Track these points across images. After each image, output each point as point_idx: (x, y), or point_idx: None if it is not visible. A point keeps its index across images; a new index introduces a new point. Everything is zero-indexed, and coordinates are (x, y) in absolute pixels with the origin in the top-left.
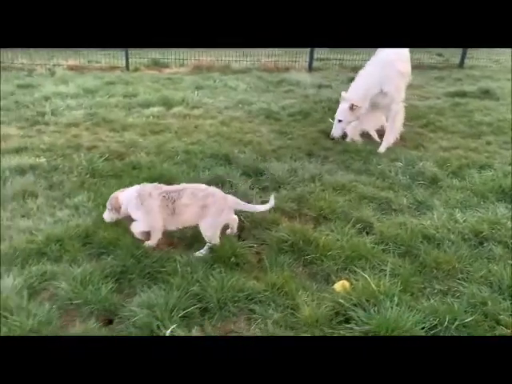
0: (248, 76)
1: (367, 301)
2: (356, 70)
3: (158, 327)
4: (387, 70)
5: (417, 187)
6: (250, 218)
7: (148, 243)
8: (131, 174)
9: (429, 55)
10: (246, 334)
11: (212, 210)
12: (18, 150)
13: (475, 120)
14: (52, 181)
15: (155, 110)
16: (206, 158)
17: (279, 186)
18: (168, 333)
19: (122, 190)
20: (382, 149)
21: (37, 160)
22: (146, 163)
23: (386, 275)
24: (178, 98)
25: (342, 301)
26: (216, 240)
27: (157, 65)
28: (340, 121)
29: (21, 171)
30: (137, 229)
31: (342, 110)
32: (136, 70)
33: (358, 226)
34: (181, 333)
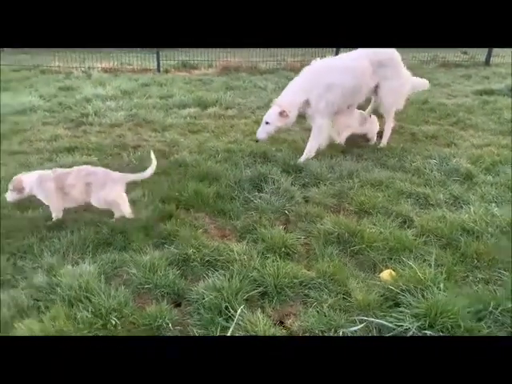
0: (276, 76)
1: (415, 287)
2: None
3: (227, 308)
4: (314, 80)
5: (452, 183)
6: (294, 212)
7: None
8: (178, 172)
9: (454, 53)
10: (303, 316)
11: (95, 186)
12: (69, 150)
13: (504, 117)
14: None
15: (191, 110)
16: (246, 157)
17: (319, 182)
18: (238, 313)
19: (23, 173)
20: (301, 159)
21: (88, 158)
22: (190, 161)
23: (430, 265)
24: (212, 98)
25: (391, 287)
26: (120, 210)
27: (185, 66)
28: (267, 123)
29: None
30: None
31: (271, 113)
32: (166, 71)
33: (398, 219)
34: (247, 314)
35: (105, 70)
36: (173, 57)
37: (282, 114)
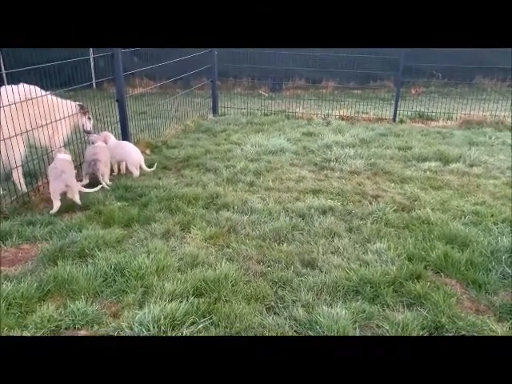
0: None
1: None
2: None
3: None
4: None
5: None
6: None
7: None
8: (423, 229)
9: None
10: None
11: None
12: (314, 192)
13: None
14: (351, 224)
15: (432, 164)
16: (500, 223)
17: None
18: None
19: None
20: None
21: (332, 203)
22: (434, 219)
23: None
24: (454, 153)
25: None
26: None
27: (422, 117)
28: None
29: (322, 211)
30: None
31: None
32: (401, 122)
33: None
34: None
35: (342, 118)
36: (409, 107)
37: None
